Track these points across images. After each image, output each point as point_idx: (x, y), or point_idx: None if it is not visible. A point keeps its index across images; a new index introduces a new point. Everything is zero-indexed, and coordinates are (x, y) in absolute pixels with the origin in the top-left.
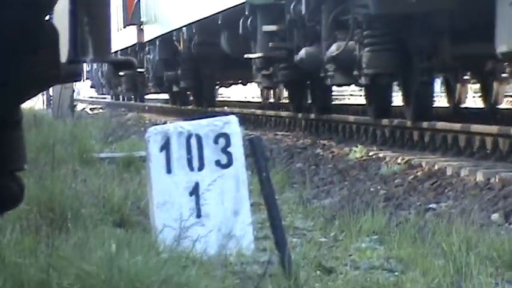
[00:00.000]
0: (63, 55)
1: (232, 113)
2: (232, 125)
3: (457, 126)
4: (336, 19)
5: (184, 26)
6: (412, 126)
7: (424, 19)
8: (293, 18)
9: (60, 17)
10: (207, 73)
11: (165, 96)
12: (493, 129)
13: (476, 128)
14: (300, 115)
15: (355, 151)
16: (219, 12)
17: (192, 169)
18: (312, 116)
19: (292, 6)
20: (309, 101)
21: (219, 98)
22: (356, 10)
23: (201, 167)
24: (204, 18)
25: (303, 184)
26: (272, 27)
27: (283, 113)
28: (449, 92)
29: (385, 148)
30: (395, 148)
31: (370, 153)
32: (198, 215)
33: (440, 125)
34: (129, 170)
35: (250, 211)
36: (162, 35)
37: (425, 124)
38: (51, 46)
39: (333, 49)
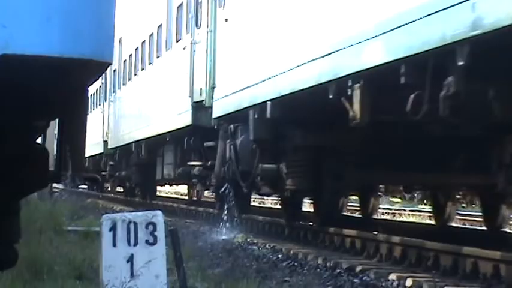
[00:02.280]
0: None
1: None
2: (158, 217)
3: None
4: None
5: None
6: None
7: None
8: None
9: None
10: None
11: None
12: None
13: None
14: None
15: (238, 237)
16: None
17: (129, 244)
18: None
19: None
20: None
21: None
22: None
23: (135, 244)
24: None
25: (203, 257)
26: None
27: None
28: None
29: (259, 237)
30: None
31: (248, 239)
32: (132, 276)
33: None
34: (87, 240)
35: (167, 275)
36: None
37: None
38: (43, 162)
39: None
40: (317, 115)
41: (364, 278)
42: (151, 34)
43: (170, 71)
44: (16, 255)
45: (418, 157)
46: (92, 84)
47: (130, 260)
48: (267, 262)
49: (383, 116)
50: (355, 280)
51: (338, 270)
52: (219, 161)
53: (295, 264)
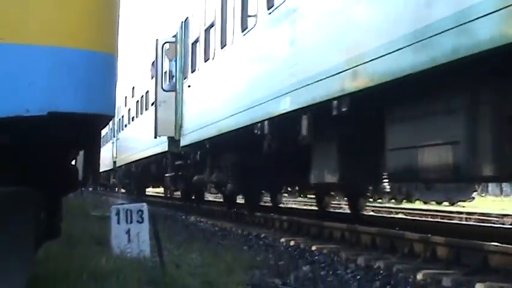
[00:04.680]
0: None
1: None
2: (144, 206)
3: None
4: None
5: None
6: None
7: None
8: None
9: (80, 162)
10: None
11: None
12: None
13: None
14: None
15: (190, 217)
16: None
17: (127, 223)
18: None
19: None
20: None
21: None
22: None
23: (131, 222)
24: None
25: (171, 230)
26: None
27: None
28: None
29: (205, 217)
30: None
31: (198, 219)
32: (129, 241)
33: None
34: (103, 221)
35: (149, 240)
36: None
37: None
38: (74, 176)
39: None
40: None
41: (265, 241)
42: (139, 99)
43: None
44: (60, 230)
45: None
46: (102, 128)
47: (128, 232)
48: (209, 232)
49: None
50: (260, 242)
51: (250, 237)
52: None
53: (226, 233)
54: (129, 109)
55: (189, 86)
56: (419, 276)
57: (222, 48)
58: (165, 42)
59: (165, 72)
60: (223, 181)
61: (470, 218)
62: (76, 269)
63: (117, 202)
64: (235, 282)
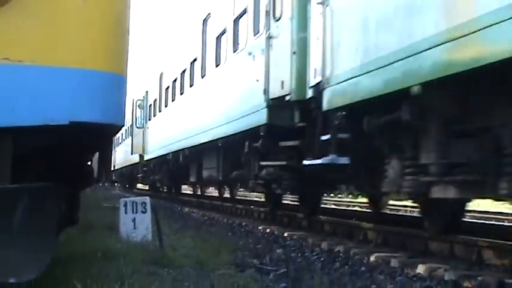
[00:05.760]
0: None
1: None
2: (147, 199)
3: None
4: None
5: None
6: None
7: None
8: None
9: (96, 162)
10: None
11: None
12: None
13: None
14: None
15: (194, 210)
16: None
17: (133, 212)
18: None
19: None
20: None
21: None
22: None
23: (136, 212)
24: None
25: (169, 219)
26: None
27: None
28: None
29: (196, 209)
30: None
31: (190, 210)
32: (134, 228)
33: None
34: (113, 211)
35: (151, 227)
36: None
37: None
38: (91, 174)
39: None
40: None
41: (246, 228)
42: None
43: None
44: (78, 218)
45: None
46: (114, 135)
47: (134, 220)
48: (200, 221)
49: None
50: (242, 229)
51: (234, 225)
52: None
53: (213, 222)
54: (122, 133)
55: (147, 128)
56: (372, 258)
57: (159, 112)
58: (138, 100)
59: (138, 117)
60: (163, 179)
61: (413, 210)
62: (91, 250)
63: (118, 194)
64: (221, 262)
